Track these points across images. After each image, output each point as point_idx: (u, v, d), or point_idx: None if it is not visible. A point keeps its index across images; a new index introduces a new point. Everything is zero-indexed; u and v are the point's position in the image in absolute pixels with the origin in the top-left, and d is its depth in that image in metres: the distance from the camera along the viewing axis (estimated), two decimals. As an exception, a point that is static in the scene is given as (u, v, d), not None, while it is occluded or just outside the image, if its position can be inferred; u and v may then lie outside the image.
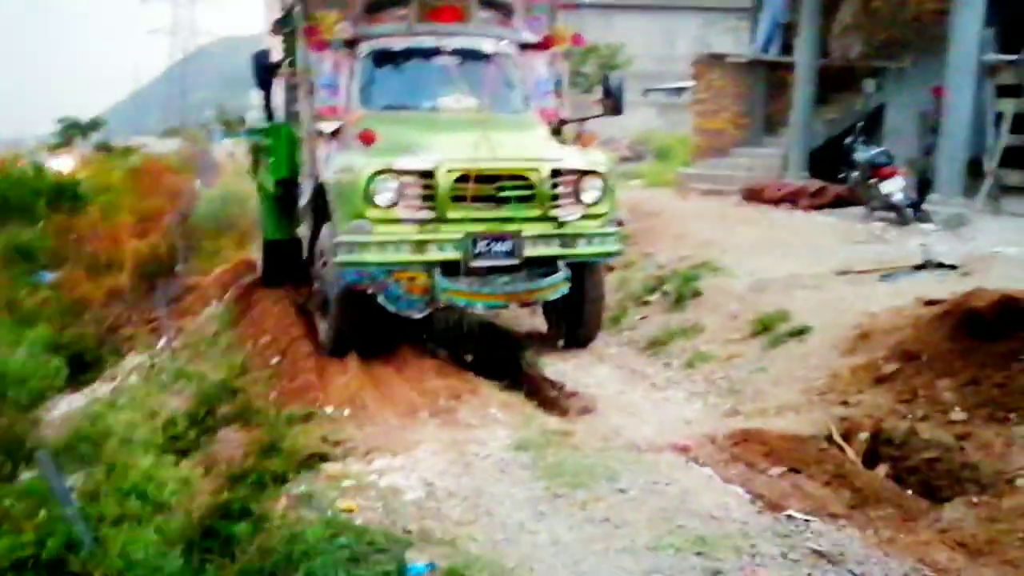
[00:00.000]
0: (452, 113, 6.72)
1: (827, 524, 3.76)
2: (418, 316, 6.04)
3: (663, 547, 3.57)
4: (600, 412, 5.49)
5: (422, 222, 5.87)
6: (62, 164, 22.86)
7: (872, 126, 12.27)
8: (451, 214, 5.87)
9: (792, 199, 11.42)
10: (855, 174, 10.46)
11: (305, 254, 7.25)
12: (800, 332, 6.23)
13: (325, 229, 6.39)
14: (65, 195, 17.78)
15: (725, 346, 6.42)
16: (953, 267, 7.52)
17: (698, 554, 3.49)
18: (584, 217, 6.20)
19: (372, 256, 5.80)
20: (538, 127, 6.86)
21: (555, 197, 6.11)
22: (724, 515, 3.87)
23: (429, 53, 6.95)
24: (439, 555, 3.56)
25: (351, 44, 6.90)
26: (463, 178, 5.84)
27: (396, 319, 6.10)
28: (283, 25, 8.04)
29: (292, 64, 7.55)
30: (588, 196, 6.23)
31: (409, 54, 6.96)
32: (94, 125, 37.21)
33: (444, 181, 5.81)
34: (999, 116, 10.27)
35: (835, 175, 11.36)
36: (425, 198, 5.87)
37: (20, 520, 4.93)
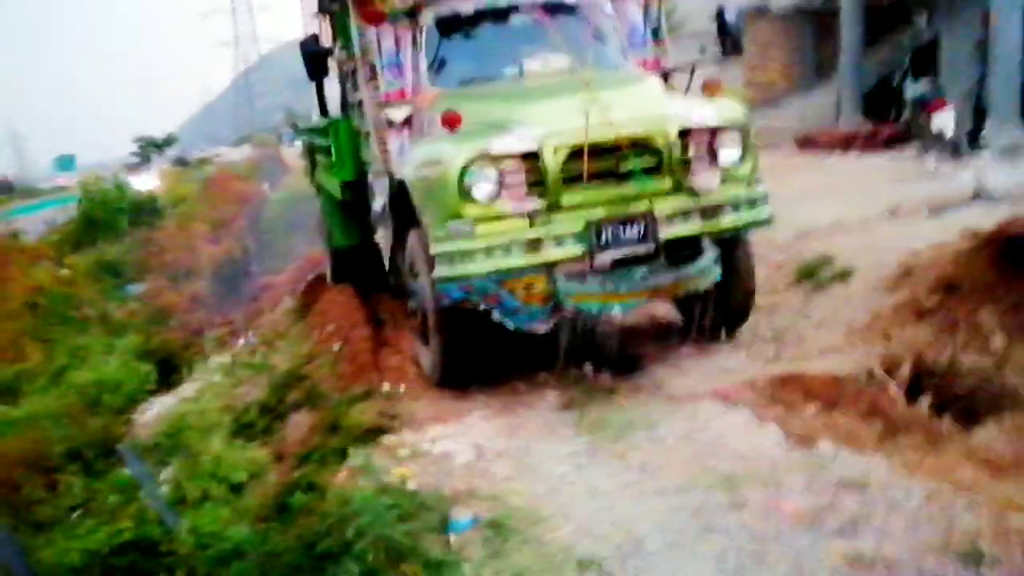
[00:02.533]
0: (543, 77, 5.71)
1: (855, 455, 3.87)
2: (543, 330, 5.04)
3: (693, 487, 3.74)
4: (644, 367, 5.63)
5: (532, 214, 4.85)
6: (146, 182, 23.91)
7: (927, 61, 12.00)
8: (566, 200, 4.86)
9: (845, 144, 11.28)
10: (906, 112, 10.29)
11: (387, 264, 6.34)
12: (843, 275, 6.27)
13: (413, 236, 5.47)
14: (145, 210, 18.77)
15: (769, 296, 6.47)
16: (1005, 197, 7.41)
17: (726, 490, 3.66)
18: (725, 182, 5.15)
19: (478, 266, 4.77)
20: (649, 80, 5.78)
21: (687, 162, 5.07)
22: (755, 454, 4.01)
23: (504, 11, 6.00)
24: (483, 509, 3.81)
25: (412, 13, 5.96)
26: (575, 154, 4.81)
27: (514, 335, 5.13)
28: (331, 0, 6.90)
29: (346, 47, 6.54)
30: (727, 156, 5.18)
31: (481, 15, 5.99)
32: (168, 141, 38.74)
33: (553, 160, 4.79)
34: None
35: (888, 116, 11.19)
36: (532, 184, 4.86)
37: (115, 510, 5.41)
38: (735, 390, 4.95)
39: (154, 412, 9.05)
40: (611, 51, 6.13)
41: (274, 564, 3.52)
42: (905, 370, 5.13)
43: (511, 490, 4.03)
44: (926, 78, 10.55)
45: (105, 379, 9.29)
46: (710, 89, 5.41)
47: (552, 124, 4.89)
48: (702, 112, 5.20)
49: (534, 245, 4.82)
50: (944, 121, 9.45)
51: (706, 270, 5.13)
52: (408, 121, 5.84)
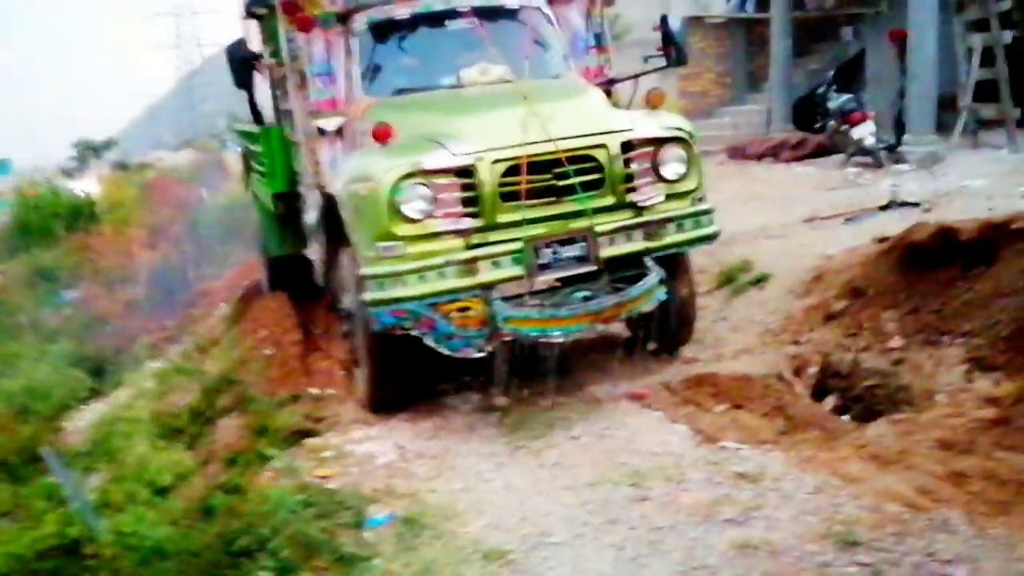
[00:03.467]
0: (481, 87, 5.47)
1: (755, 450, 4.08)
2: (478, 355, 4.78)
3: (601, 482, 3.92)
4: (569, 369, 5.79)
5: (468, 233, 4.66)
6: (84, 186, 23.47)
7: (853, 74, 12.43)
8: (503, 218, 4.68)
9: (774, 153, 11.64)
10: (831, 122, 10.67)
11: (320, 280, 6.13)
12: (760, 280, 6.52)
13: (344, 256, 5.27)
14: (82, 215, 18.44)
15: (691, 300, 6.70)
16: (917, 205, 7.75)
17: (632, 485, 3.84)
18: (669, 197, 5.01)
19: (410, 289, 4.56)
20: (591, 91, 5.50)
21: (630, 177, 4.91)
22: (663, 451, 4.21)
23: (441, 16, 5.76)
24: (400, 507, 3.94)
25: (344, 18, 5.72)
26: (512, 169, 4.64)
27: (450, 360, 4.92)
28: (258, 4, 6.54)
29: (275, 53, 6.26)
30: (671, 170, 5.04)
31: (416, 21, 5.76)
32: (108, 145, 38.01)
33: (489, 176, 4.61)
34: (969, 51, 10.39)
35: (815, 126, 11.57)
36: (467, 202, 4.67)
37: (40, 515, 5.40)
38: (651, 391, 5.15)
39: (86, 419, 8.98)
40: (552, 59, 5.93)
41: (194, 563, 3.59)
42: (812, 371, 5.39)
43: (429, 488, 4.16)
44: (849, 90, 10.94)
45: (36, 386, 9.16)
46: (653, 100, 5.26)
47: (489, 138, 4.72)
48: (645, 125, 5.05)
49: (469, 266, 4.62)
50: (865, 132, 9.84)
51: (650, 290, 4.88)
52: (340, 132, 5.65)
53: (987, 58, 10.23)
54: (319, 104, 5.67)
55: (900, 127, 10.40)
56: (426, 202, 4.63)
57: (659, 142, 5.03)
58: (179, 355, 9.54)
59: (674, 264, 5.23)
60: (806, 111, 12.05)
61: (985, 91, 10.35)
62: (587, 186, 4.79)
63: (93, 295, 13.63)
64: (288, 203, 6.67)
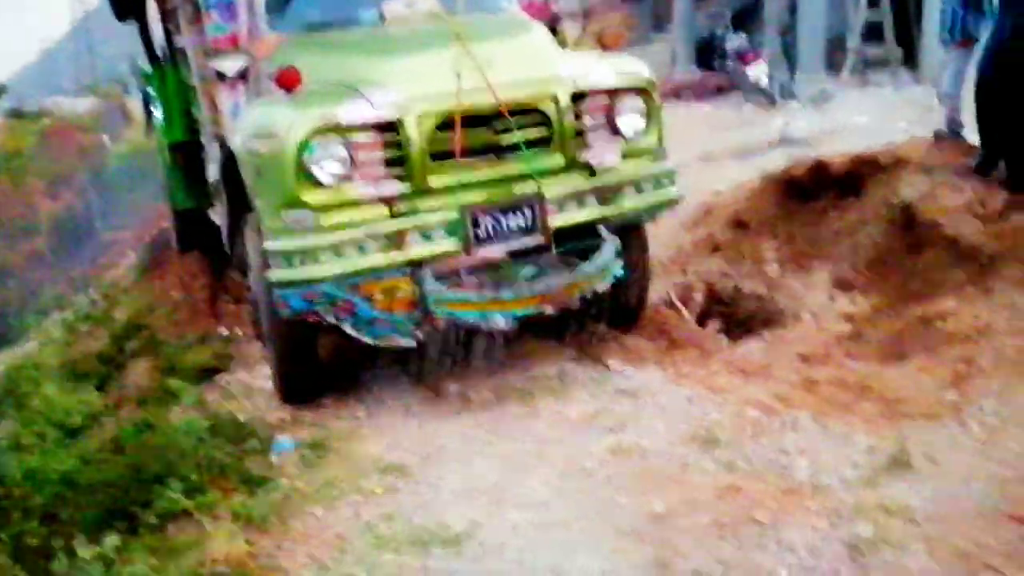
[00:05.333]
0: (408, 24, 4.66)
1: (638, 369, 4.41)
2: (406, 345, 4.15)
3: (495, 404, 4.19)
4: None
5: (393, 200, 3.98)
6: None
7: (749, 15, 12.81)
8: (435, 181, 4.00)
9: (676, 93, 11.97)
10: (728, 63, 11.05)
11: (227, 245, 5.20)
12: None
13: (247, 226, 4.51)
14: (-25, 166, 17.82)
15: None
16: (802, 141, 8.19)
17: (522, 404, 4.13)
18: (627, 156, 4.37)
19: (324, 268, 3.87)
20: (536, 29, 4.67)
21: (581, 133, 4.26)
22: (554, 373, 4.49)
23: None
24: (305, 434, 4.15)
25: None
26: (445, 124, 3.96)
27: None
28: None
29: None
30: (628, 124, 4.37)
31: None
32: (0, 91, 36.24)
33: (418, 132, 3.92)
34: (857, -6, 10.86)
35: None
36: (391, 162, 3.97)
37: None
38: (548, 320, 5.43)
39: (-9, 371, 8.89)
40: None
41: (105, 492, 3.74)
42: (698, 297, 5.78)
43: (335, 415, 4.38)
44: (743, 31, 11.32)
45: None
46: (608, 40, 4.56)
47: (417, 86, 3.99)
48: (600, 71, 4.33)
49: (395, 240, 3.94)
50: (758, 72, 10.25)
51: (607, 266, 4.28)
52: (245, 74, 4.83)
53: (873, 0, 10.71)
54: (216, 41, 4.88)
55: (792, 67, 10.86)
56: (341, 163, 3.89)
57: (615, 92, 4.35)
58: (87, 305, 9.48)
59: (628, 233, 4.59)
60: (708, 52, 12.42)
61: (873, 32, 10.86)
62: (533, 144, 4.13)
63: (-7, 247, 13.33)
64: (189, 154, 6.02)
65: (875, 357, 4.11)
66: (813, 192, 5.97)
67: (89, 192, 14.48)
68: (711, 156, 8.22)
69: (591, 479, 3.35)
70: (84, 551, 3.12)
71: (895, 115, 9.08)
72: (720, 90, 11.71)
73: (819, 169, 5.99)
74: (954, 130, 5.86)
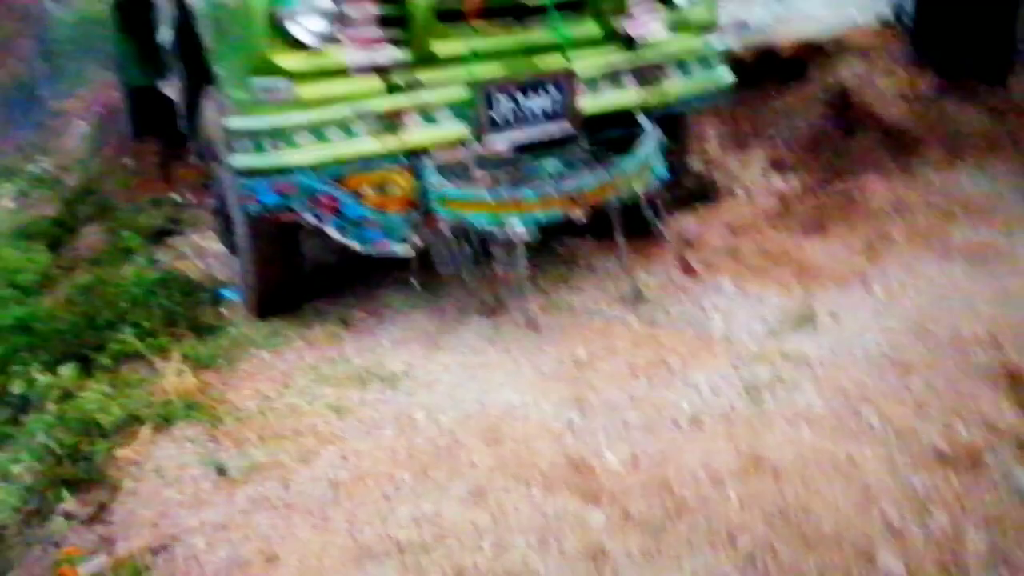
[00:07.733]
0: None
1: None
2: (401, 253, 3.41)
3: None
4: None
5: (389, 70, 3.25)
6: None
7: None
8: (440, 48, 3.29)
9: None
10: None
11: (183, 125, 4.42)
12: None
13: (207, 100, 3.80)
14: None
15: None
16: (753, 27, 8.23)
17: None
18: (673, 28, 3.69)
19: (302, 154, 3.16)
20: None
21: None
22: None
23: None
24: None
25: None
26: None
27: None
28: None
29: None
30: None
31: None
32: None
33: None
34: None
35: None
36: (389, 21, 3.23)
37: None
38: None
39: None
40: None
41: (58, 338, 3.90)
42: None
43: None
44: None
45: None
46: None
47: None
48: None
49: (391, 120, 3.23)
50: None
51: (647, 163, 3.58)
52: None
53: None
54: None
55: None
56: (326, 19, 3.13)
57: None
58: (36, 172, 9.40)
59: (672, 126, 3.89)
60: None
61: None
62: (562, 7, 3.43)
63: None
64: (138, 13, 5.15)
65: (798, 229, 4.35)
66: (759, 76, 6.09)
67: (34, 59, 14.00)
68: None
69: (519, 330, 3.59)
70: (42, 379, 3.30)
71: (849, 3, 9.13)
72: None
73: (766, 54, 6.11)
74: (899, 17, 6.01)
